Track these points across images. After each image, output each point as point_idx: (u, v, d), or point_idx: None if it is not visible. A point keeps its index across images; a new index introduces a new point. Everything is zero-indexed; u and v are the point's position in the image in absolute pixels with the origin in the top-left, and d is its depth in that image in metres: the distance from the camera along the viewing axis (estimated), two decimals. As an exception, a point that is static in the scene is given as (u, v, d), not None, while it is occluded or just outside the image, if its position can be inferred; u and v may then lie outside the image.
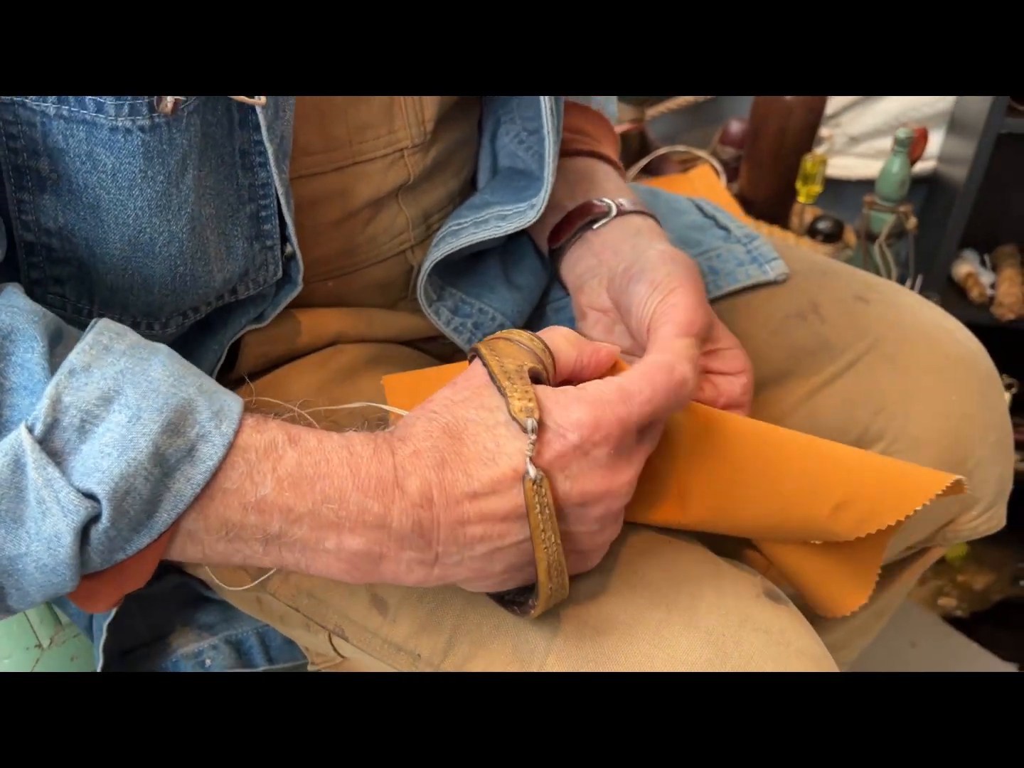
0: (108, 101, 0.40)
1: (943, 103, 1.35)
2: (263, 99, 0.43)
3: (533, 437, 0.39)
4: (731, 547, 0.52)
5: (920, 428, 0.61)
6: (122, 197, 0.43)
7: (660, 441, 0.45)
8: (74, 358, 0.36)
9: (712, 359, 0.54)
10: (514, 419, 0.40)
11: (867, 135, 1.41)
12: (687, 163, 1.35)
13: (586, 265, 0.59)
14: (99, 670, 0.58)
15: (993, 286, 1.39)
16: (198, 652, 0.62)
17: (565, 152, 0.63)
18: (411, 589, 0.49)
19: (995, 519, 0.66)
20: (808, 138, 1.24)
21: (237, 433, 0.37)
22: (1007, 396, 1.44)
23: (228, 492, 0.37)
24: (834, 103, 1.38)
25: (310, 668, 0.60)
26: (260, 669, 0.64)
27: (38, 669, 0.66)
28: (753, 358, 0.63)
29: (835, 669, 0.46)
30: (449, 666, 0.47)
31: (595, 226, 0.59)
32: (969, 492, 0.63)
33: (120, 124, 0.41)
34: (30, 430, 0.34)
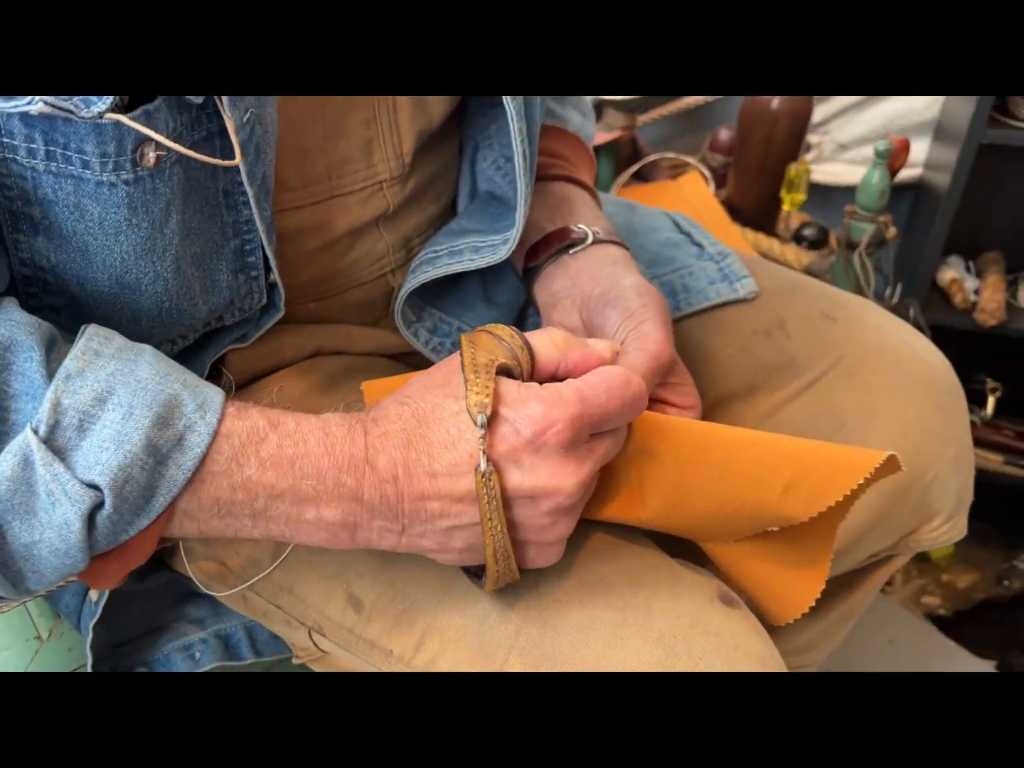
0: (94, 159, 0.42)
1: (930, 111, 1.36)
2: (238, 159, 0.45)
3: (483, 431, 0.42)
4: (692, 555, 0.55)
5: (880, 443, 0.63)
6: (109, 243, 0.45)
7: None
8: (69, 364, 0.39)
9: (668, 391, 0.56)
10: (467, 412, 0.43)
11: (855, 142, 1.41)
12: (677, 169, 1.36)
13: (561, 285, 0.60)
14: (89, 668, 0.61)
15: (977, 292, 1.39)
16: (188, 645, 0.65)
17: (543, 176, 0.65)
18: (385, 589, 0.52)
19: (956, 529, 0.68)
20: (794, 146, 1.25)
21: (220, 421, 0.41)
22: (991, 400, 1.47)
23: (216, 475, 0.41)
24: (823, 110, 1.39)
25: (295, 661, 0.62)
26: (247, 662, 0.66)
27: (37, 660, 0.68)
28: (720, 373, 0.66)
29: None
30: (420, 662, 0.50)
31: (572, 251, 0.60)
32: (929, 504, 0.66)
33: (105, 179, 0.43)
34: (35, 432, 0.38)
